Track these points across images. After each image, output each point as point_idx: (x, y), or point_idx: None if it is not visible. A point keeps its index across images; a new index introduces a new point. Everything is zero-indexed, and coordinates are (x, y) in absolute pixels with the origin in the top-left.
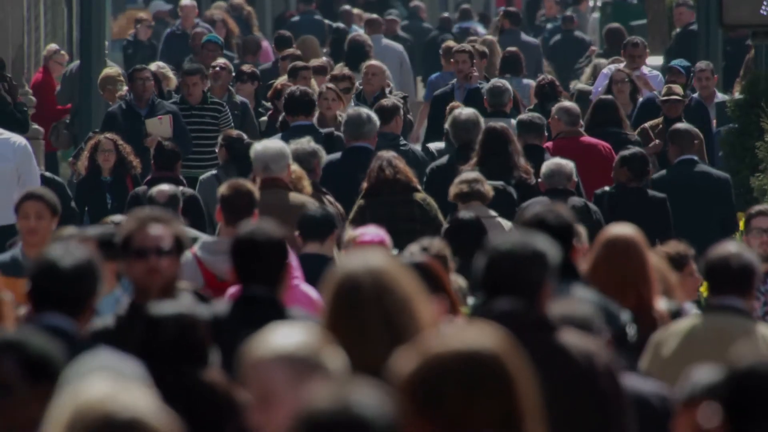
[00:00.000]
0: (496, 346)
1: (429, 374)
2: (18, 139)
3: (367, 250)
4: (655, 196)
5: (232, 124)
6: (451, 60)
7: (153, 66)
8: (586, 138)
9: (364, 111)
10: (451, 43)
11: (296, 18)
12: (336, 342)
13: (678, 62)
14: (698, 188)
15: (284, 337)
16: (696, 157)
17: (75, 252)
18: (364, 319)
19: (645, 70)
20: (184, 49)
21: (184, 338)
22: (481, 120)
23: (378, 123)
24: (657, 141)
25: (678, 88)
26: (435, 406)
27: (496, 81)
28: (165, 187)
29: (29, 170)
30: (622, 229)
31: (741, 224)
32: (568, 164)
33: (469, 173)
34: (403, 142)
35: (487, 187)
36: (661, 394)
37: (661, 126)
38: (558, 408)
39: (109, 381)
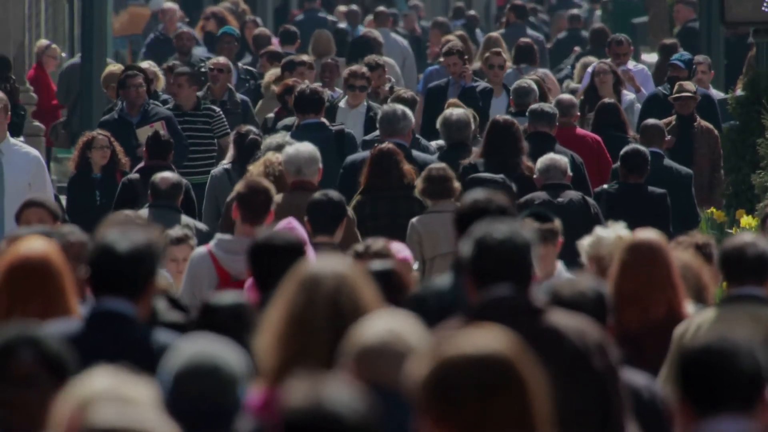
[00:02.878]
0: (507, 349)
1: (445, 379)
2: (33, 151)
3: (332, 256)
4: (654, 192)
5: (227, 128)
6: (441, 59)
7: (145, 64)
8: (577, 130)
9: (399, 107)
10: (449, 37)
11: (300, 17)
12: (284, 331)
13: (677, 56)
14: (663, 182)
15: (377, 326)
16: (662, 151)
17: (132, 235)
18: (316, 314)
19: (630, 65)
20: (168, 54)
21: (239, 326)
22: (472, 120)
23: (413, 120)
24: (669, 137)
25: (689, 85)
26: (453, 409)
27: (522, 81)
28: (168, 175)
29: (43, 181)
30: (646, 234)
31: (722, 217)
32: (563, 159)
33: (436, 164)
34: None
35: (456, 184)
36: (652, 388)
37: (673, 123)
38: (559, 387)
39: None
